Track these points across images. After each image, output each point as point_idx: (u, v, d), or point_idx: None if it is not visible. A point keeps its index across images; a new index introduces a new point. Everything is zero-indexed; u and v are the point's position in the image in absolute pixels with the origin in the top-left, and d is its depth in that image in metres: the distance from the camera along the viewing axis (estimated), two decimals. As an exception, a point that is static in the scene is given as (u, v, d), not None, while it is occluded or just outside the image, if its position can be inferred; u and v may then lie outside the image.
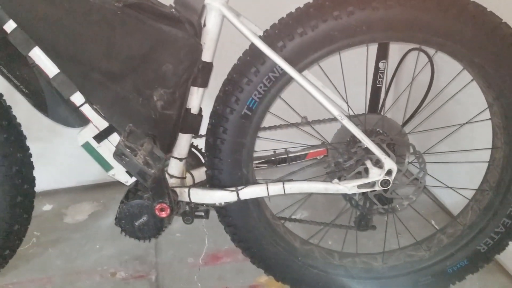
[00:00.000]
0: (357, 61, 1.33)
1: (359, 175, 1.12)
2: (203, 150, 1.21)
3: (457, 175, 1.49)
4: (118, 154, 0.94)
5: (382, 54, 1.58)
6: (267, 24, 1.06)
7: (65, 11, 0.98)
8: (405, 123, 1.32)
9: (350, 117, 1.19)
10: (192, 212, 1.25)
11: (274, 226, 1.24)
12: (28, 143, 1.45)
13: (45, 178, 1.87)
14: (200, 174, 1.25)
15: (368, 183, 1.08)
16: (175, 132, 1.11)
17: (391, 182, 1.07)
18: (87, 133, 1.14)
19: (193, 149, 1.30)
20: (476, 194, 1.25)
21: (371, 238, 1.55)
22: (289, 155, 1.28)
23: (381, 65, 1.59)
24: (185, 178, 1.22)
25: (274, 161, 1.29)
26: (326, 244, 1.53)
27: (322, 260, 1.28)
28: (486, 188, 1.21)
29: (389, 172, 1.07)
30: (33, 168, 1.30)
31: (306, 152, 1.28)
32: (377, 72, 1.61)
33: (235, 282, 1.43)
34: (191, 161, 1.29)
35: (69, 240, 1.64)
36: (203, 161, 1.25)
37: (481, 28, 0.99)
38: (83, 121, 1.14)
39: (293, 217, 1.38)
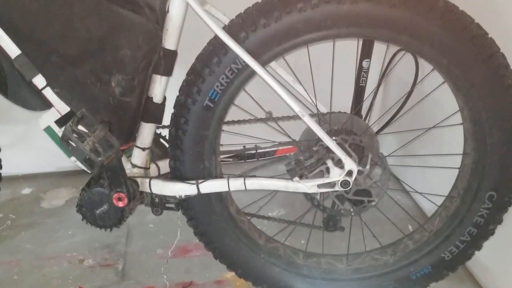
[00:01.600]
0: (341, 59, 1.30)
1: (322, 174, 1.09)
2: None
3: (435, 180, 1.46)
4: (65, 140, 0.93)
5: (366, 53, 1.54)
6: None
7: (25, -9, 0.96)
8: (384, 126, 1.29)
9: (318, 115, 1.17)
10: (162, 203, 1.24)
11: (238, 222, 1.22)
12: (9, 126, 1.45)
13: (26, 162, 1.89)
14: (166, 165, 1.23)
15: (329, 183, 1.05)
16: (135, 120, 1.09)
17: (351, 183, 1.05)
18: (49, 117, 1.13)
19: (161, 140, 1.29)
20: (445, 200, 1.22)
21: (344, 239, 1.53)
22: (258, 151, 1.26)
23: (364, 64, 1.56)
24: (148, 168, 1.20)
25: (243, 156, 1.27)
26: (298, 243, 1.51)
27: (285, 258, 1.26)
28: (454, 195, 1.17)
29: (349, 173, 1.04)
30: (-2, 148, 1.29)
31: (275, 148, 1.26)
32: (361, 71, 1.58)
33: (201, 276, 1.42)
34: (158, 151, 1.27)
35: (43, 224, 1.64)
36: (170, 152, 1.23)
37: (450, 28, 0.96)
38: (46, 104, 1.12)
39: (266, 214, 1.36)
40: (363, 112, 1.66)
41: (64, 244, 1.55)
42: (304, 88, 1.22)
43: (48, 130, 1.14)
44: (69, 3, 0.96)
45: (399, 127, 1.38)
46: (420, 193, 1.22)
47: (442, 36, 0.97)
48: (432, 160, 1.47)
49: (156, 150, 1.26)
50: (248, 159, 1.27)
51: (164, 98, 1.12)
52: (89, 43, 0.98)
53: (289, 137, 1.16)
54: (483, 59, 0.98)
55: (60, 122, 1.13)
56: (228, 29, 1.01)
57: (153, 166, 1.23)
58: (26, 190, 1.83)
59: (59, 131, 1.14)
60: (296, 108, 1.01)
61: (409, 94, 1.22)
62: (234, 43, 0.98)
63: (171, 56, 1.06)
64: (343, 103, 1.51)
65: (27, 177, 1.90)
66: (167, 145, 1.28)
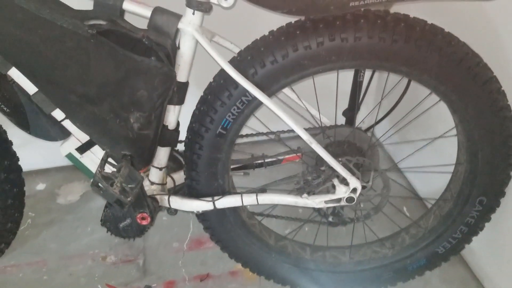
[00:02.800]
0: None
1: (328, 189, 1.19)
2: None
3: (434, 181, 1.55)
4: (95, 185, 1.01)
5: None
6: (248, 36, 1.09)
7: (40, 37, 1.00)
8: (370, 127, 1.36)
9: (321, 130, 1.25)
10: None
11: (250, 227, 1.33)
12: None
13: (37, 158, 1.94)
14: (180, 177, 1.32)
15: (335, 199, 1.15)
16: (153, 148, 1.16)
17: (355, 199, 1.15)
18: (70, 145, 1.20)
19: (174, 153, 1.37)
20: (438, 200, 1.33)
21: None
22: (266, 160, 1.34)
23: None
24: (165, 184, 1.29)
25: (252, 165, 1.35)
26: (302, 231, 1.63)
27: (294, 255, 1.38)
28: (448, 197, 1.28)
29: (354, 190, 1.14)
30: (21, 170, 1.36)
31: (282, 157, 1.34)
32: (358, 66, 1.63)
33: (216, 268, 1.55)
34: (172, 164, 1.35)
35: (63, 222, 1.74)
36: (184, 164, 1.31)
37: (447, 59, 1.02)
38: (65, 133, 1.19)
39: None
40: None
41: (85, 241, 1.66)
42: (305, 106, 1.28)
43: (70, 156, 1.22)
44: (84, 51, 1.00)
45: (394, 138, 1.45)
46: (418, 198, 1.32)
47: (440, 67, 1.03)
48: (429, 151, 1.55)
49: (170, 164, 1.34)
50: (257, 168, 1.35)
51: (178, 124, 1.19)
52: (107, 86, 1.03)
53: (301, 158, 1.24)
54: (478, 85, 1.05)
55: (81, 149, 1.20)
56: (237, 63, 1.06)
57: (168, 179, 1.32)
58: (41, 186, 1.92)
59: (80, 157, 1.21)
60: (305, 136, 1.08)
61: (395, 106, 1.29)
62: (244, 79, 1.04)
63: (183, 87, 1.11)
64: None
65: (40, 172, 1.97)
66: (179, 157, 1.36)
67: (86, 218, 1.75)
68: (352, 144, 1.24)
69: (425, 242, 1.32)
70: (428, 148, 1.47)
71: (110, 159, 1.12)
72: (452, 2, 1.34)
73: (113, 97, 1.05)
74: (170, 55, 1.05)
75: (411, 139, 1.44)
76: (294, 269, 1.37)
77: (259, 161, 1.35)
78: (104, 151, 1.06)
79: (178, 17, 1.03)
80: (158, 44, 1.02)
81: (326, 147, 1.23)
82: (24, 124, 1.15)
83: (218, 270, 1.54)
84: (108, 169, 1.16)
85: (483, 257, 1.44)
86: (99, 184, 1.00)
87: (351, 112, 1.33)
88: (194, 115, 1.15)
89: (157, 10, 1.03)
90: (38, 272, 1.55)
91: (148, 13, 1.02)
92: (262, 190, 1.24)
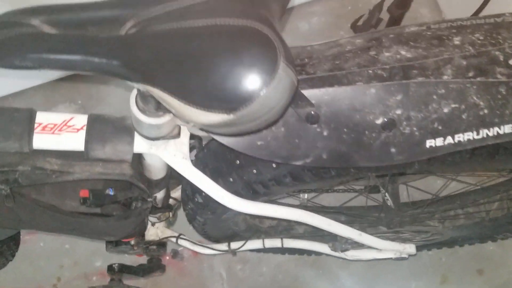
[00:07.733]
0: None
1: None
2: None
3: None
4: None
5: None
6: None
7: None
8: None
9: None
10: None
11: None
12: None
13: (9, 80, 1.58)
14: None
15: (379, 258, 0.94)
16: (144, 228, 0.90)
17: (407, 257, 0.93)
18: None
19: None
20: (508, 184, 1.06)
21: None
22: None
23: None
24: (169, 217, 1.05)
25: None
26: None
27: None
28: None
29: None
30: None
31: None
32: None
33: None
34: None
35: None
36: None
37: None
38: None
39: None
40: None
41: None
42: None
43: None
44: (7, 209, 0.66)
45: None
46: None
47: None
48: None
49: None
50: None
51: (169, 195, 0.88)
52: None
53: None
54: None
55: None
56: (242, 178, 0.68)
57: (172, 201, 1.07)
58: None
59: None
60: (349, 233, 0.79)
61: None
62: (246, 204, 0.69)
63: (164, 180, 0.77)
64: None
65: (17, 95, 1.62)
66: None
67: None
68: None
69: (483, 230, 1.13)
70: None
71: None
72: None
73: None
74: (133, 181, 0.67)
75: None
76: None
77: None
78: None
79: (130, 139, 0.61)
80: (111, 180, 0.64)
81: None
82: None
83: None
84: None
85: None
86: None
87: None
88: (184, 195, 0.84)
89: (91, 138, 0.60)
90: (57, 240, 1.46)
91: (78, 145, 0.60)
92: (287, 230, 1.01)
